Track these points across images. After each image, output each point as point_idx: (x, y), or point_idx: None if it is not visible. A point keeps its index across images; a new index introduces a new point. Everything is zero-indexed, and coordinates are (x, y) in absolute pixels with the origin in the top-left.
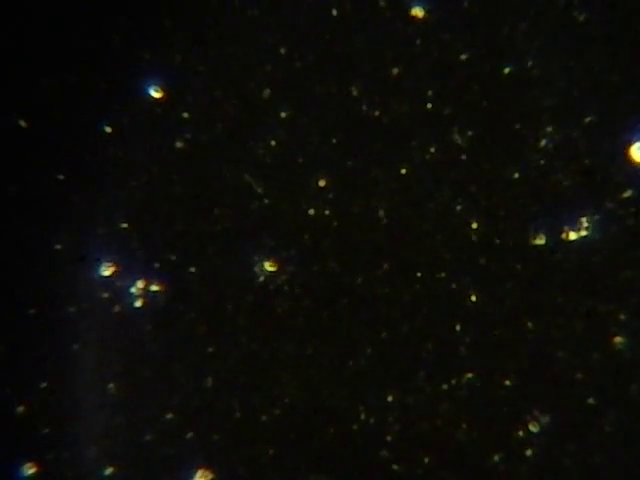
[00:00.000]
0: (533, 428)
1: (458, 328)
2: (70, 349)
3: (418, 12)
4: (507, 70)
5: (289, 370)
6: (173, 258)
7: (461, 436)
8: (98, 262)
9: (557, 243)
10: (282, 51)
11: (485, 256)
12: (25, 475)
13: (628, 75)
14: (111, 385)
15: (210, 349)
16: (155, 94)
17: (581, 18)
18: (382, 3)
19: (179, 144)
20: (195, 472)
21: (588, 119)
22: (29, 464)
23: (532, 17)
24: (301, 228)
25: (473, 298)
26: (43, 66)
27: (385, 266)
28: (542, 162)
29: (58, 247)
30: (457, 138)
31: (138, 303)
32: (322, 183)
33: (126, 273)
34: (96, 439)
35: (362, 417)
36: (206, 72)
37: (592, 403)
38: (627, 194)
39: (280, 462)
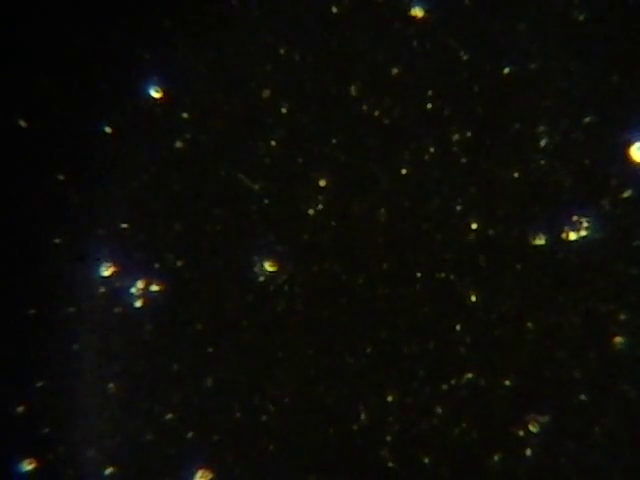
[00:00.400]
0: (533, 428)
1: (458, 328)
2: (70, 349)
3: (418, 12)
4: (507, 70)
5: (289, 370)
6: (173, 258)
7: (461, 436)
8: (98, 262)
9: (557, 243)
10: (282, 51)
11: (485, 256)
12: (24, 471)
13: (628, 75)
14: (111, 385)
15: (210, 349)
16: (155, 94)
17: (581, 18)
18: (382, 3)
19: (179, 144)
20: (195, 472)
21: (588, 119)
22: (28, 459)
23: (532, 17)
24: (301, 228)
25: (473, 298)
26: (43, 66)
27: (385, 266)
28: (542, 162)
29: (58, 247)
30: (457, 138)
31: (138, 303)
32: (322, 183)
33: (126, 273)
34: (96, 439)
35: (362, 417)
36: (206, 72)
37: (592, 403)
38: (627, 194)
39: (280, 462)
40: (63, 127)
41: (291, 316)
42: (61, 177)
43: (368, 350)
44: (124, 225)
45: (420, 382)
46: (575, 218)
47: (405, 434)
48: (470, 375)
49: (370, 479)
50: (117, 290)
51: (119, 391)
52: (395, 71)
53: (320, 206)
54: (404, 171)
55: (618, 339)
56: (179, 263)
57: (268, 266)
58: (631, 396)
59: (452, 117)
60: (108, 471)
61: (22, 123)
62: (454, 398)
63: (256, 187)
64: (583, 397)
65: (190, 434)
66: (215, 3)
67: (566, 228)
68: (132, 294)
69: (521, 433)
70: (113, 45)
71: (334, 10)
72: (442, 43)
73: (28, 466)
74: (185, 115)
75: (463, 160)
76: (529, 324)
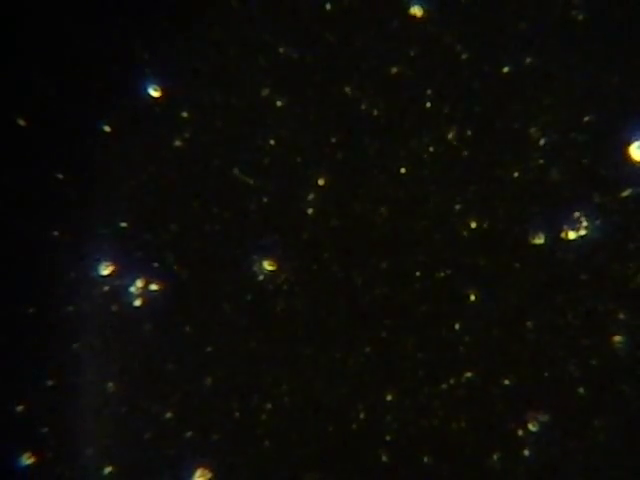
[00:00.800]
0: (533, 428)
1: (457, 328)
2: (70, 348)
3: (417, 11)
4: (506, 69)
5: (288, 370)
6: (172, 257)
7: (460, 436)
8: (97, 261)
9: (556, 242)
10: (282, 51)
11: (484, 255)
12: (23, 465)
13: (628, 75)
14: (111, 385)
15: (210, 349)
16: (154, 93)
17: (581, 18)
18: (381, 2)
19: (178, 143)
20: (194, 471)
21: (588, 118)
22: (27, 454)
23: (532, 17)
24: (300, 227)
25: (473, 298)
26: (43, 66)
27: (384, 265)
28: (541, 161)
29: (57, 246)
30: (456, 137)
31: (137, 302)
32: (322, 182)
33: (125, 272)
34: (96, 438)
35: (361, 416)
36: (206, 72)
37: (591, 403)
38: (626, 193)
39: (280, 462)
40: (62, 126)
41: (291, 316)
42: (60, 176)
43: (368, 350)
44: (123, 224)
45: (420, 382)
46: (574, 217)
47: (404, 433)
48: (469, 374)
49: (369, 478)
50: (116, 289)
51: (119, 390)
52: (394, 70)
53: (319, 205)
54: (403, 170)
55: (617, 338)
56: (178, 262)
57: (267, 265)
58: (630, 396)
59: (451, 116)
60: (107, 470)
61: (21, 122)
62: (453, 397)
63: (251, 182)
64: (583, 397)
65: (189, 434)
66: (215, 3)
67: (565, 227)
68: (131, 293)
69: (520, 432)
70: (112, 45)
71: (333, 9)
72: (442, 42)
73: (27, 461)
74: (184, 114)
75: (462, 159)
76: (529, 324)
